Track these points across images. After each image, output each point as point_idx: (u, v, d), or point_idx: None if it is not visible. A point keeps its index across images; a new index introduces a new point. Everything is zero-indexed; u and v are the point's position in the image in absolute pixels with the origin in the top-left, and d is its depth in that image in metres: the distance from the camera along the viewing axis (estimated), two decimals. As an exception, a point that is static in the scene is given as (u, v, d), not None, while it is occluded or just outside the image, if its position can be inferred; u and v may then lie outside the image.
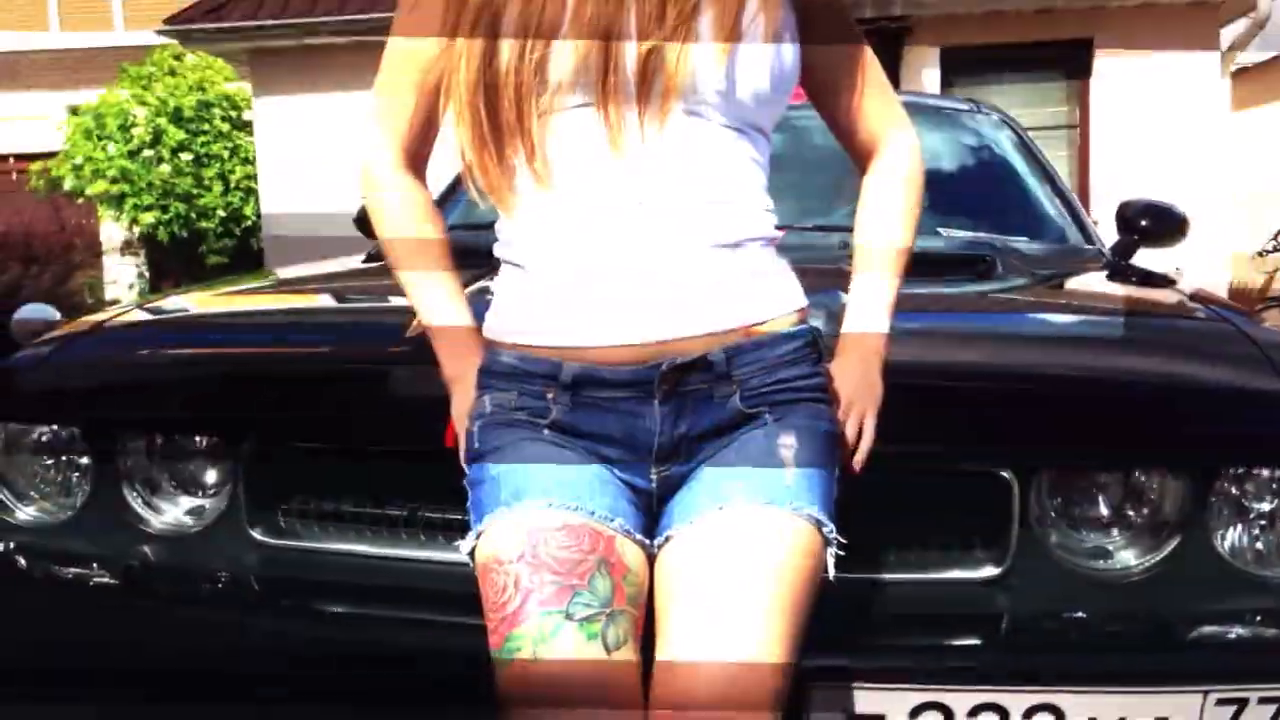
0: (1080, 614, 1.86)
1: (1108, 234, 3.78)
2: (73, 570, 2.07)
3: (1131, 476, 1.92)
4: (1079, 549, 1.91)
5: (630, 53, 1.44)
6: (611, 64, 1.44)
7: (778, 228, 1.59)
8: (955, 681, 1.73)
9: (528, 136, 1.48)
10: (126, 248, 14.57)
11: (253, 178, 12.68)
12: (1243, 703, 1.72)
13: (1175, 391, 2.00)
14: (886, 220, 1.73)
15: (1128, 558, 1.91)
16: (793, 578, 1.46)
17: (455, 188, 3.22)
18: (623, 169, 1.47)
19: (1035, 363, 2.11)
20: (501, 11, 1.46)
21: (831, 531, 1.52)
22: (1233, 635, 1.84)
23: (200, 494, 2.10)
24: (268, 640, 1.92)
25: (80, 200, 13.72)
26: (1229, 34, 10.85)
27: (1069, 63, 10.81)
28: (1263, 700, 1.72)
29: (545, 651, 1.40)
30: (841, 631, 1.73)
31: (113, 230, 14.51)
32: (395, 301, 1.76)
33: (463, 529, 1.55)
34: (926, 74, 10.74)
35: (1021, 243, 3.32)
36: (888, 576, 1.87)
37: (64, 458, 2.13)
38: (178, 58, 13.58)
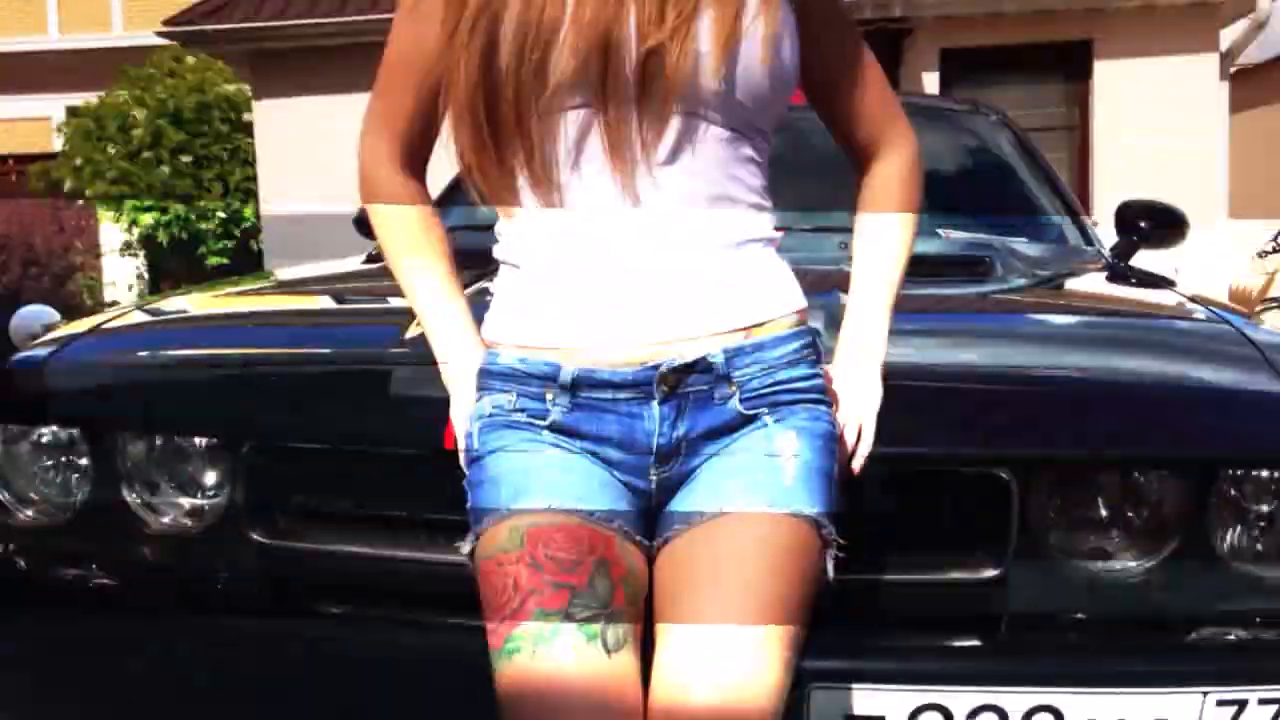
0: (1080, 615, 1.86)
1: (1107, 235, 3.78)
2: (72, 571, 2.08)
3: (1130, 478, 1.92)
4: (1078, 550, 1.91)
5: (630, 54, 1.44)
6: (611, 65, 1.44)
7: (777, 229, 1.59)
8: (955, 682, 1.73)
9: (527, 138, 1.48)
10: (126, 249, 14.57)
11: (252, 179, 12.69)
12: (1242, 704, 1.72)
13: (1174, 392, 2.00)
14: (885, 223, 1.73)
15: (1127, 559, 1.90)
16: (792, 579, 1.46)
17: (455, 189, 3.22)
18: (622, 170, 1.47)
19: (1034, 364, 2.11)
20: (501, 13, 1.46)
21: (831, 533, 1.52)
22: (1232, 637, 1.84)
23: (199, 495, 2.09)
24: (266, 642, 1.92)
25: (80, 202, 13.72)
26: (1228, 35, 10.86)
27: (1068, 64, 10.82)
28: (1262, 701, 1.72)
29: (545, 652, 1.40)
30: (841, 633, 1.73)
31: (112, 232, 14.52)
32: (394, 303, 1.76)
33: (462, 530, 1.55)
34: (926, 75, 10.74)
35: (1021, 244, 3.32)
36: (887, 577, 1.87)
37: (63, 459, 2.12)
38: (177, 59, 13.59)
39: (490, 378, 1.58)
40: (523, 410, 1.54)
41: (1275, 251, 11.30)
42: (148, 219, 13.23)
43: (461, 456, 1.61)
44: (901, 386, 1.71)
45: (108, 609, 2.03)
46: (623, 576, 1.47)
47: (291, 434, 2.02)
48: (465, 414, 1.61)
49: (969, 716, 1.72)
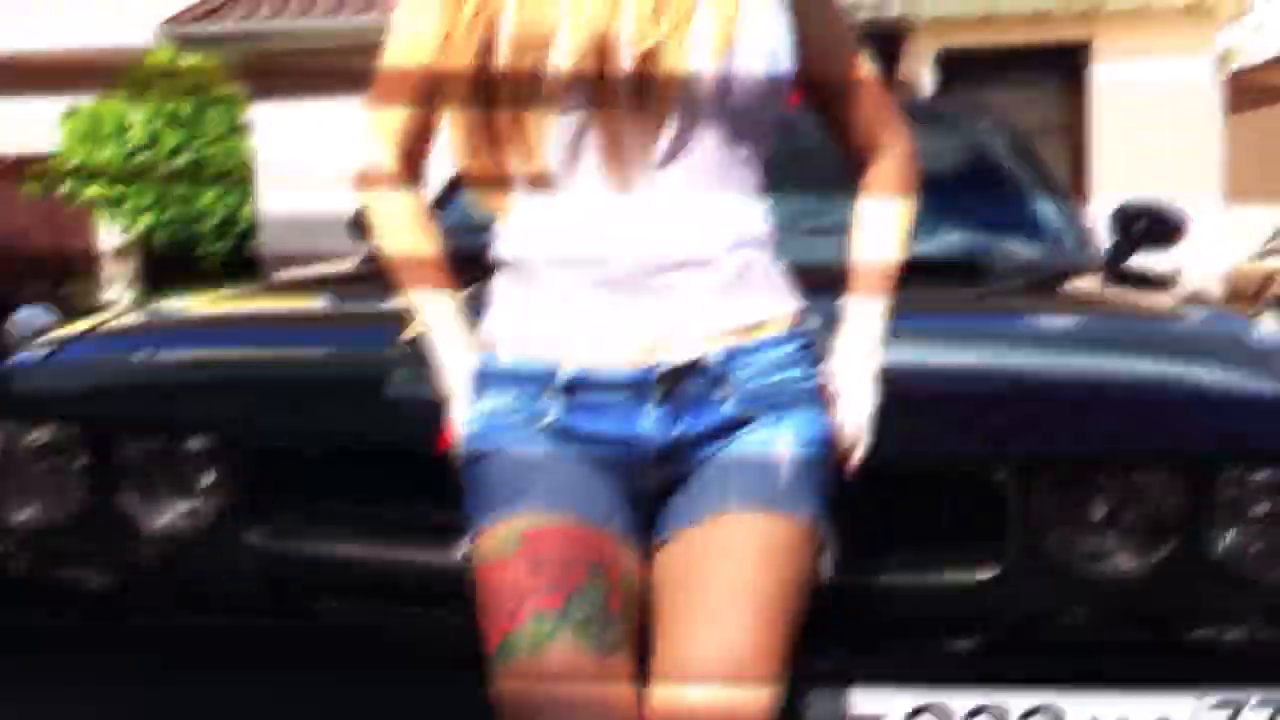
0: (1078, 616, 1.86)
1: (1104, 236, 3.78)
2: (68, 572, 2.07)
3: (1129, 479, 1.92)
4: (1077, 551, 1.91)
5: (627, 55, 1.44)
6: (608, 67, 1.44)
7: (773, 230, 1.59)
8: (953, 683, 1.73)
9: (524, 139, 1.48)
10: (123, 250, 14.57)
11: (249, 181, 12.68)
12: (1240, 705, 1.72)
13: (1172, 393, 2.00)
14: (881, 224, 1.73)
15: (1125, 559, 1.90)
16: (787, 580, 1.47)
17: (453, 189, 3.22)
18: (619, 171, 1.47)
19: (1032, 365, 2.11)
20: (498, 15, 1.46)
21: (827, 533, 1.52)
22: (1230, 637, 1.84)
23: (197, 496, 2.09)
24: (264, 643, 1.92)
25: (77, 203, 13.72)
26: (1225, 38, 10.87)
27: (1065, 65, 10.83)
28: (1260, 703, 1.72)
29: (541, 653, 1.40)
30: (840, 633, 1.73)
31: (109, 233, 14.51)
32: (391, 304, 1.76)
33: (459, 532, 1.55)
34: (923, 77, 10.74)
35: (1018, 245, 3.32)
36: (885, 578, 1.87)
37: (60, 460, 2.12)
38: (175, 60, 13.58)
39: (487, 379, 1.58)
40: (520, 412, 1.54)
41: (1271, 253, 11.31)
42: (145, 220, 13.22)
43: (459, 458, 1.61)
44: (898, 388, 1.70)
45: (104, 610, 2.02)
46: (619, 578, 1.47)
47: (288, 435, 2.02)
48: (462, 416, 1.61)
49: (967, 717, 1.72)
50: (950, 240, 3.26)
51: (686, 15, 1.45)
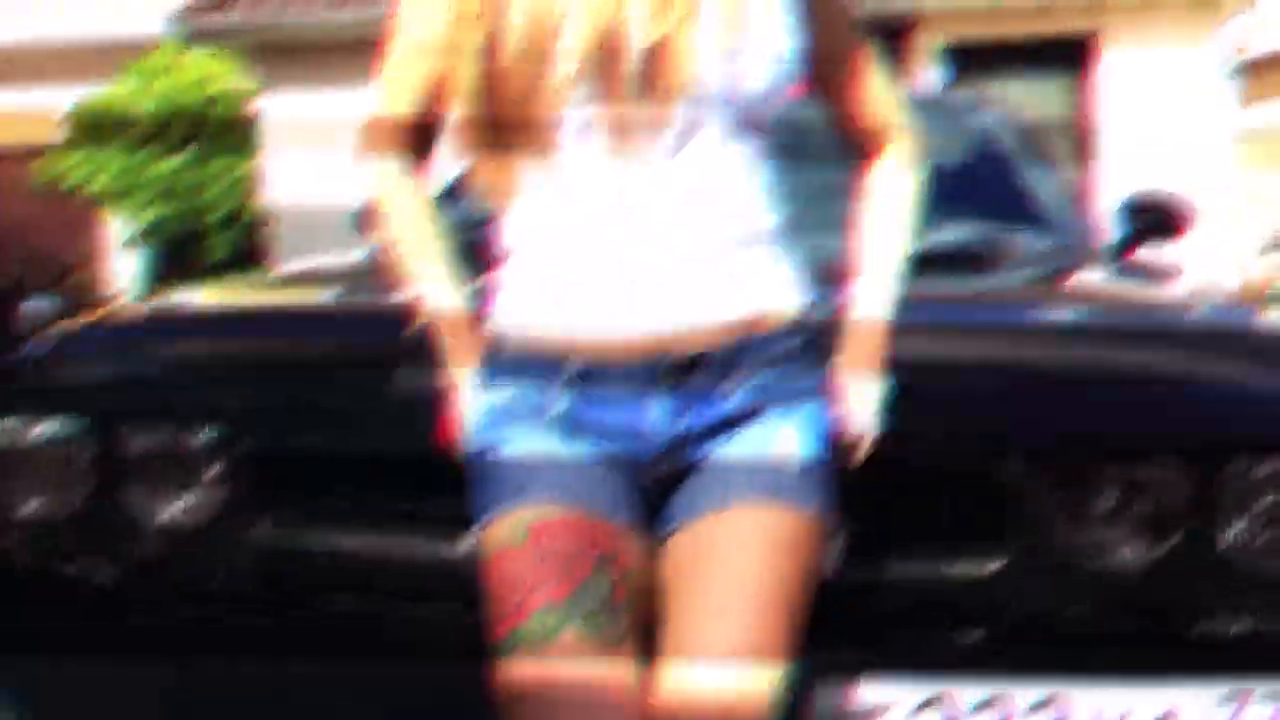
0: (1084, 608, 1.86)
1: (1112, 227, 3.78)
2: (74, 566, 2.08)
3: (1134, 471, 1.92)
4: (1083, 544, 1.91)
5: (633, 48, 1.44)
6: (614, 60, 1.44)
7: (780, 221, 1.59)
8: (959, 675, 1.73)
9: (531, 130, 1.48)
10: (129, 243, 14.57)
11: (256, 174, 12.68)
12: (1246, 697, 1.72)
13: (1178, 386, 1.99)
14: (885, 217, 1.73)
15: (1131, 552, 1.90)
16: (794, 573, 1.47)
17: (459, 181, 3.22)
18: (626, 164, 1.47)
19: (1037, 357, 2.10)
20: (505, 7, 1.46)
21: (833, 526, 1.52)
22: (1236, 630, 1.84)
23: (202, 489, 2.10)
24: (269, 636, 1.92)
25: (83, 195, 13.72)
26: (1233, 29, 10.84)
27: (1072, 57, 10.80)
28: (1267, 695, 1.72)
29: (547, 646, 1.40)
30: (846, 626, 1.73)
31: (115, 226, 14.52)
32: (397, 297, 1.76)
33: (465, 525, 1.55)
34: (928, 69, 10.73)
35: (1023, 237, 3.32)
36: (892, 571, 1.87)
37: (65, 453, 2.12)
38: (181, 54, 13.57)
39: (494, 371, 1.58)
40: (527, 404, 1.54)
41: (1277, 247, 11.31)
42: (151, 213, 13.22)
43: (465, 451, 1.61)
44: (904, 380, 1.70)
45: (108, 604, 2.03)
46: (625, 571, 1.47)
47: (294, 429, 2.02)
48: (469, 408, 1.61)
49: (974, 709, 1.72)
50: (956, 233, 3.25)
51: (693, 8, 1.46)
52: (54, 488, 2.13)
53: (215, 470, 2.10)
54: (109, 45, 14.99)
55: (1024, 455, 1.85)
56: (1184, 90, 10.28)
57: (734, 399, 1.53)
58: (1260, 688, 1.72)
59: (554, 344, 1.52)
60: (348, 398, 2.03)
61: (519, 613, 1.43)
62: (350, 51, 10.13)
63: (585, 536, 1.46)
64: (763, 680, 1.42)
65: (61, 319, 2.67)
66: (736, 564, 1.46)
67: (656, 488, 1.55)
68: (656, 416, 1.51)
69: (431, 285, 1.67)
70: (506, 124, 1.49)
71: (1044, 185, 3.86)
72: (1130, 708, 1.72)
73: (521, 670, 1.42)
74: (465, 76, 1.49)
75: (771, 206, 1.58)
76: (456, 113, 1.54)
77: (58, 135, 13.94)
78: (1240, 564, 1.88)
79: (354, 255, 3.31)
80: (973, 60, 10.61)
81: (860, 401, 1.67)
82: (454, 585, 1.75)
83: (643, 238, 1.48)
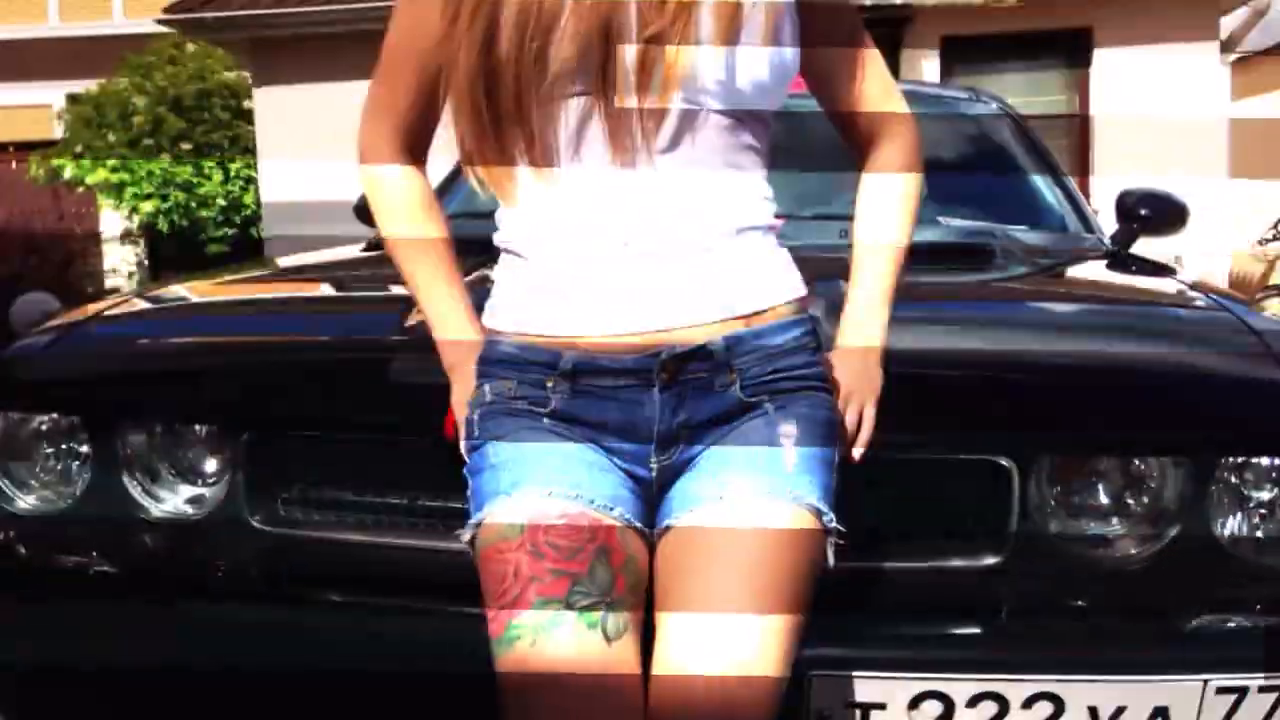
0: (1080, 602, 1.86)
1: (1107, 223, 3.78)
2: (73, 559, 2.08)
3: (1131, 465, 1.92)
4: (1079, 537, 1.91)
5: (630, 41, 1.44)
6: (611, 53, 1.44)
7: (777, 216, 1.59)
8: (955, 670, 1.73)
9: (527, 125, 1.47)
10: (126, 237, 14.58)
11: (252, 167, 12.69)
12: (1243, 692, 1.72)
13: (1175, 380, 2.00)
14: (885, 210, 1.73)
15: (1128, 546, 1.91)
16: (792, 566, 1.46)
17: (455, 177, 3.22)
18: (622, 158, 1.47)
19: (1035, 351, 2.11)
20: (501, 2, 1.46)
21: (831, 520, 1.51)
22: (1233, 624, 1.84)
23: (200, 482, 2.10)
24: (267, 629, 1.92)
25: (80, 189, 13.72)
26: (1229, 23, 10.85)
27: (1069, 52, 10.82)
28: (1263, 689, 1.72)
29: (545, 640, 1.40)
30: (842, 620, 1.73)
31: (112, 219, 14.52)
32: (395, 290, 1.76)
33: (463, 518, 1.55)
34: (926, 63, 10.74)
35: (1021, 231, 3.32)
36: (888, 565, 1.87)
37: (64, 446, 2.13)
38: (177, 47, 13.57)
39: (490, 365, 1.58)
40: (523, 397, 1.54)
41: (1275, 240, 11.30)
42: (148, 206, 13.22)
43: (462, 444, 1.61)
44: (902, 374, 1.71)
45: (108, 596, 2.03)
46: (623, 564, 1.47)
47: (291, 421, 2.02)
48: (465, 401, 1.61)
49: (969, 704, 1.72)
50: (953, 226, 3.25)
51: (690, 1, 1.45)
52: (52, 481, 2.13)
53: (212, 463, 2.10)
54: (106, 39, 14.99)
55: (1021, 449, 1.86)
56: (1180, 84, 10.28)
57: (731, 392, 1.52)
58: (1256, 682, 1.72)
59: (551, 338, 1.52)
60: (345, 390, 2.03)
61: (516, 606, 1.42)
62: (346, 43, 10.14)
63: (583, 530, 1.46)
64: (761, 673, 1.42)
65: (59, 312, 2.66)
66: (735, 557, 1.45)
67: (655, 481, 1.55)
68: (653, 410, 1.51)
69: (427, 278, 1.67)
70: (503, 116, 1.48)
71: (1041, 180, 3.87)
72: (1125, 702, 1.72)
73: (520, 663, 1.42)
74: (461, 69, 1.49)
75: (769, 200, 1.58)
76: (453, 104, 1.53)
77: (55, 129, 13.93)
78: (1236, 558, 1.88)
79: (350, 247, 3.31)
80: (970, 54, 10.62)
81: (858, 394, 1.67)
82: (453, 579, 1.75)
83: (640, 231, 1.48)
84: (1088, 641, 1.81)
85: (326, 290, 2.85)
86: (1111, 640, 1.81)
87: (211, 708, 1.95)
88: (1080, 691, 1.72)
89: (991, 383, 1.95)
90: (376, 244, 3.04)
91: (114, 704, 2.00)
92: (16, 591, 2.07)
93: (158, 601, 1.98)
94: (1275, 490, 1.90)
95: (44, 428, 2.13)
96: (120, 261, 14.84)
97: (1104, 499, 1.93)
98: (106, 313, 2.38)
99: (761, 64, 1.49)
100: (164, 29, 12.24)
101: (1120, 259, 3.35)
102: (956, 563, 1.88)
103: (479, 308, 1.64)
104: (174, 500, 2.09)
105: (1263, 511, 1.90)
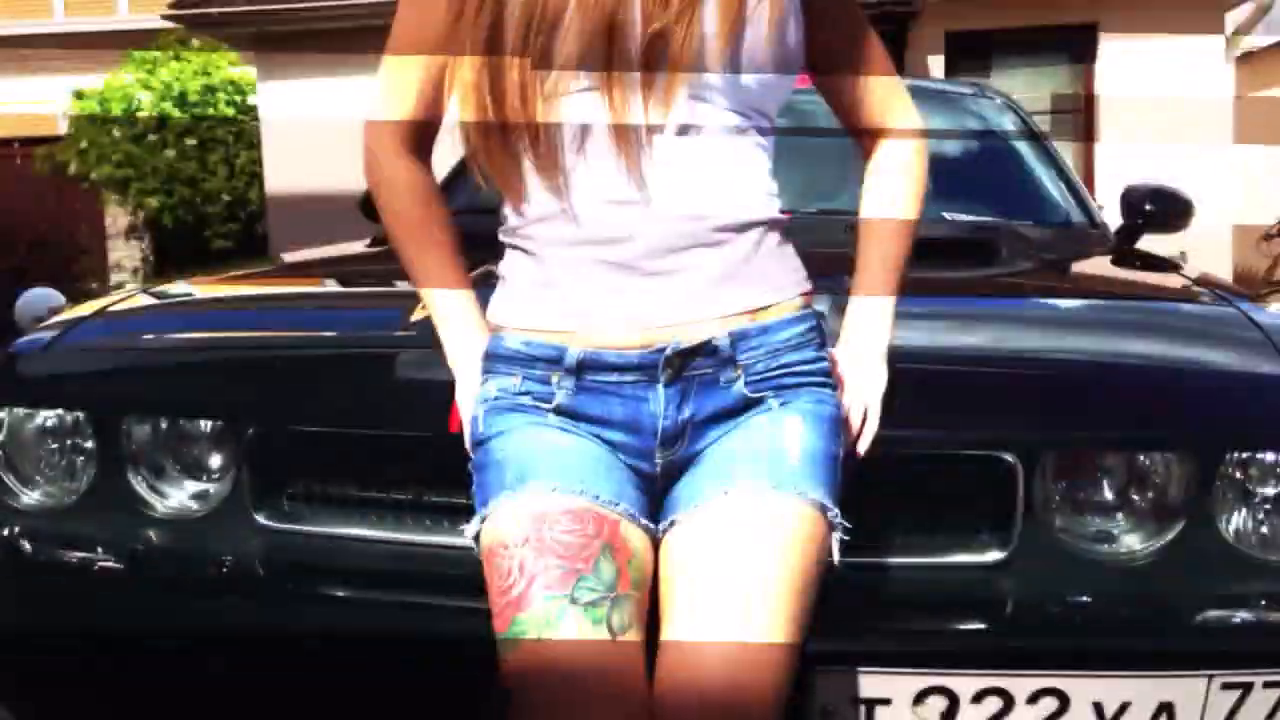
0: (1085, 598, 1.86)
1: (1112, 218, 3.78)
2: (77, 555, 2.08)
3: (1136, 460, 1.92)
4: (1084, 533, 1.91)
5: (635, 37, 1.44)
6: (616, 49, 1.44)
7: (782, 211, 1.59)
8: (960, 665, 1.73)
9: (532, 121, 1.47)
10: (131, 232, 14.58)
11: (257, 162, 12.68)
12: (1248, 687, 1.72)
13: (1180, 375, 2.00)
14: (890, 205, 1.73)
15: (1132, 542, 1.90)
16: (797, 562, 1.46)
17: (460, 172, 3.22)
18: (627, 153, 1.46)
19: (1040, 346, 2.11)
20: (506, -2, 1.46)
21: (836, 516, 1.51)
22: (1237, 620, 1.84)
23: (205, 478, 2.10)
24: (271, 625, 1.92)
25: (85, 185, 13.72)
26: (1234, 18, 10.84)
27: (1074, 47, 10.80)
28: (1268, 685, 1.72)
29: (550, 635, 1.40)
30: (846, 616, 1.73)
31: (117, 215, 14.53)
32: (400, 286, 1.76)
33: (467, 513, 1.55)
34: (931, 58, 10.73)
35: (1026, 226, 3.32)
36: (893, 561, 1.87)
37: (68, 442, 2.13)
38: (182, 42, 13.57)
39: (495, 361, 1.58)
40: (528, 393, 1.54)
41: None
42: (153, 202, 13.22)
43: (466, 440, 1.61)
44: (907, 369, 1.71)
45: (112, 592, 2.03)
46: (628, 560, 1.47)
47: (296, 417, 2.02)
48: (470, 397, 1.61)
49: (974, 699, 1.72)
50: (958, 222, 3.25)
51: (695, -4, 1.45)
52: (56, 478, 2.13)
53: (216, 460, 2.10)
54: (111, 34, 14.99)
55: (1024, 445, 1.85)
56: (1185, 79, 10.27)
57: (736, 388, 1.53)
58: (1261, 678, 1.72)
59: (555, 333, 1.52)
60: (349, 386, 2.03)
61: (522, 602, 1.42)
62: (351, 39, 10.12)
63: (588, 525, 1.46)
64: (766, 669, 1.42)
65: (63, 308, 2.67)
66: (740, 552, 1.45)
67: (659, 477, 1.55)
68: (658, 406, 1.51)
69: (433, 274, 1.67)
70: (509, 111, 1.48)
71: (1046, 175, 3.87)
72: (1130, 698, 1.72)
73: (525, 659, 1.42)
74: (466, 65, 1.49)
75: (774, 195, 1.58)
76: (458, 100, 1.53)
77: (60, 124, 13.94)
78: (1241, 554, 1.88)
79: (355, 243, 3.31)
80: (975, 49, 10.61)
81: (863, 390, 1.67)
82: (458, 574, 1.75)
83: (645, 227, 1.48)
84: (1092, 637, 1.81)
85: (331, 286, 2.85)
86: (1116, 636, 1.81)
87: (215, 703, 1.95)
88: (1085, 687, 1.72)
89: (996, 378, 1.95)
90: (381, 239, 3.04)
91: (117, 700, 2.01)
92: (20, 588, 2.07)
93: (162, 597, 1.98)
94: (1279, 486, 1.90)
95: (48, 423, 2.13)
96: (125, 257, 14.84)
97: (1108, 494, 1.93)
98: (111, 308, 2.38)
99: (766, 59, 1.49)
100: (169, 24, 12.23)
101: (1125, 254, 3.35)
102: (961, 558, 1.88)
103: (484, 303, 1.64)
104: (178, 496, 2.09)
105: (1267, 507, 1.90)
